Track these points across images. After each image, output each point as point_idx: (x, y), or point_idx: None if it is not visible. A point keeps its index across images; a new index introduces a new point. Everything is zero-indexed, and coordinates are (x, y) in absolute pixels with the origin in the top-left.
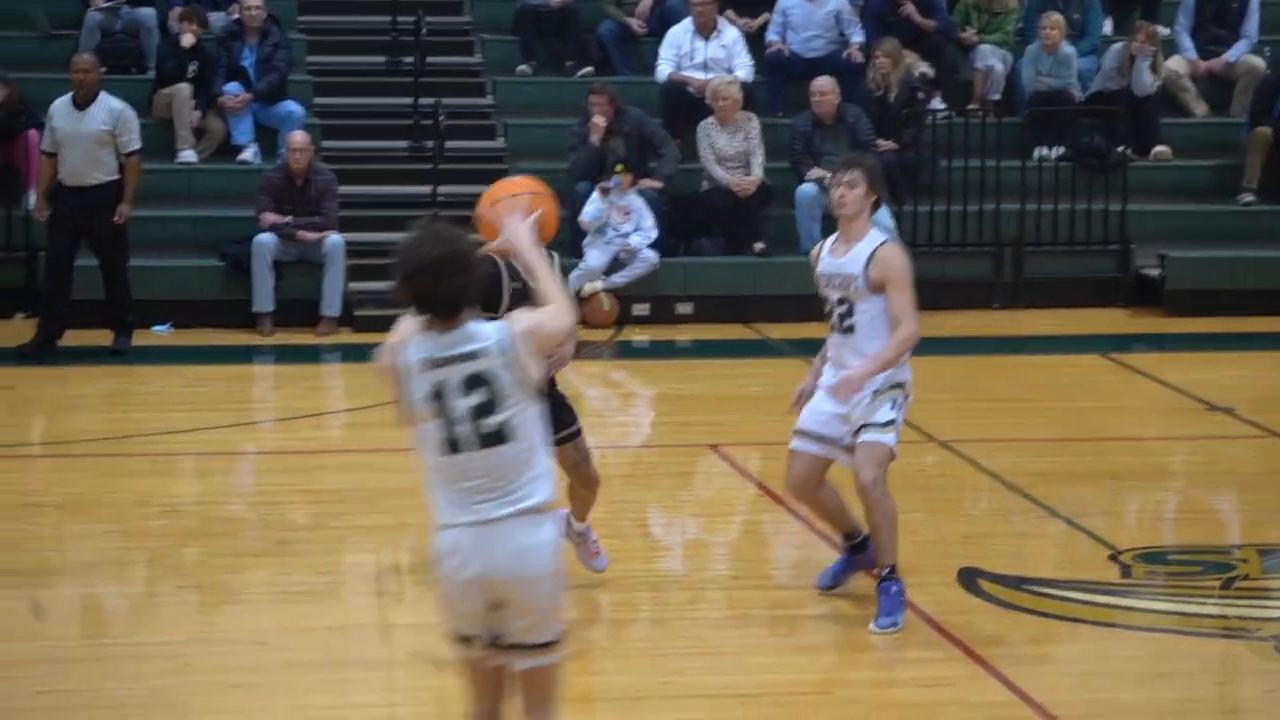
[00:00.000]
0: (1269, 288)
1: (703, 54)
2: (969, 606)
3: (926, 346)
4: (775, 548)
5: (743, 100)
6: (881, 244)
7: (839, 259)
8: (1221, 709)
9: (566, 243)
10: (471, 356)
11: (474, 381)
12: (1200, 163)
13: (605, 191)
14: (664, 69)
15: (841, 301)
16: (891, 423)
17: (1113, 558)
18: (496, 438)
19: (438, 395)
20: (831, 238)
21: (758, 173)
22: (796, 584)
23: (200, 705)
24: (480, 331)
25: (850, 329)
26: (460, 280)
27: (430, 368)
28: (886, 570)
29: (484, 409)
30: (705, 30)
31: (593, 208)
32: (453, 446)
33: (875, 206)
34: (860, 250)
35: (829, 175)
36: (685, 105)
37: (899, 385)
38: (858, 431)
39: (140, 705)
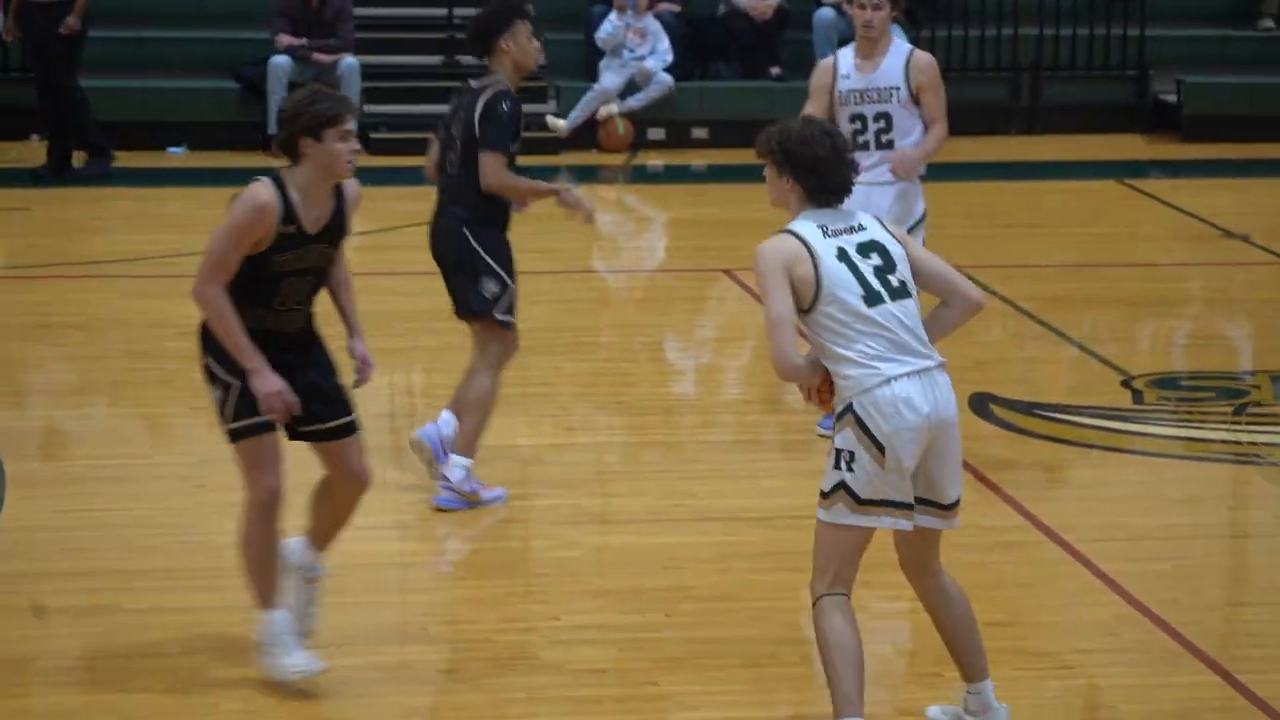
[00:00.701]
0: None
1: None
2: (981, 431)
3: (943, 171)
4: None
5: None
6: (912, 51)
7: (869, 74)
8: (1232, 533)
9: (582, 64)
10: (861, 228)
11: (869, 247)
12: None
13: (622, 9)
14: None
15: (879, 118)
16: None
17: (1125, 383)
18: (904, 291)
19: (843, 256)
20: (845, 54)
21: None
22: (809, 409)
23: (212, 526)
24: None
25: (890, 143)
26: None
27: (833, 235)
28: None
29: (884, 269)
30: None
31: (609, 25)
32: (874, 299)
33: (893, 19)
34: (893, 62)
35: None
36: None
37: None
38: None
39: (156, 525)
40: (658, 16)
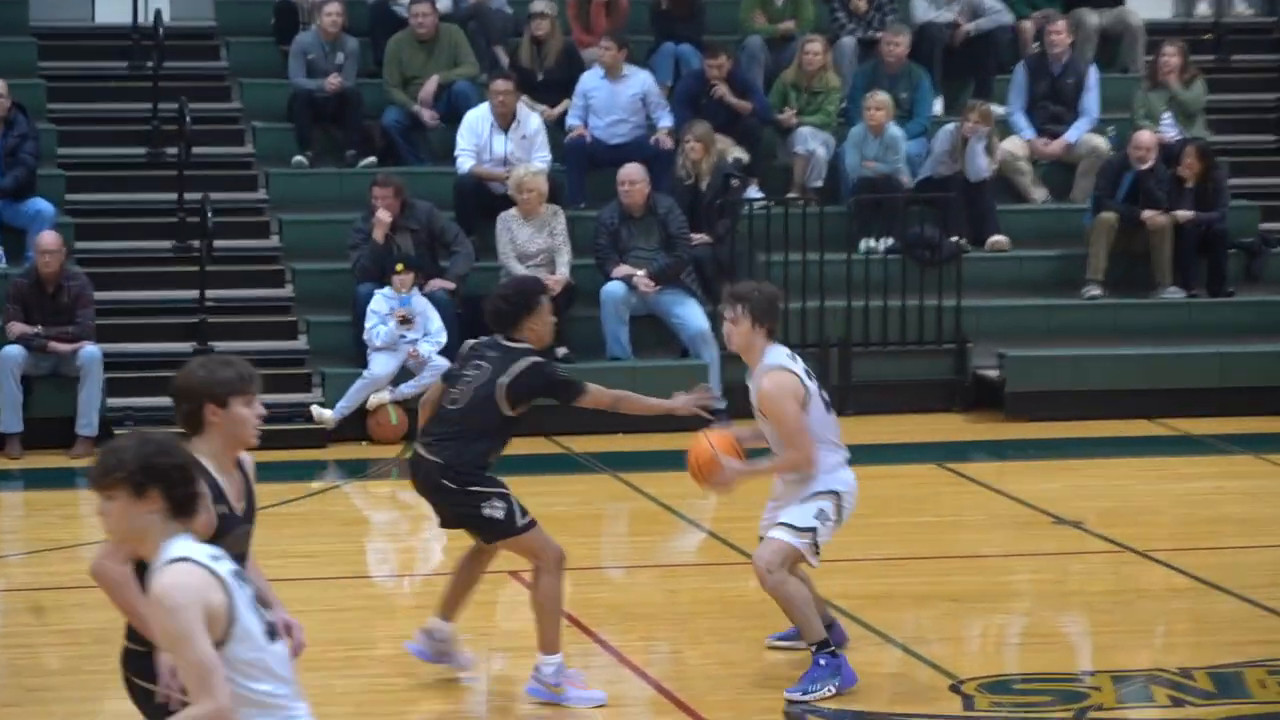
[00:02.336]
0: (1116, 388)
1: (503, 146)
2: None
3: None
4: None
5: (549, 193)
6: (765, 375)
7: (750, 382)
8: None
9: (349, 348)
10: None
11: None
12: (1041, 253)
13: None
14: (464, 162)
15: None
16: (811, 530)
17: (954, 688)
18: None
19: None
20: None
21: (564, 272)
22: None
23: None
24: None
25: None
26: None
27: None
28: (814, 647)
29: None
30: (505, 121)
31: (375, 318)
32: None
33: (770, 335)
34: (755, 378)
35: (638, 273)
36: (482, 200)
37: (833, 493)
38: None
39: None
40: (429, 295)
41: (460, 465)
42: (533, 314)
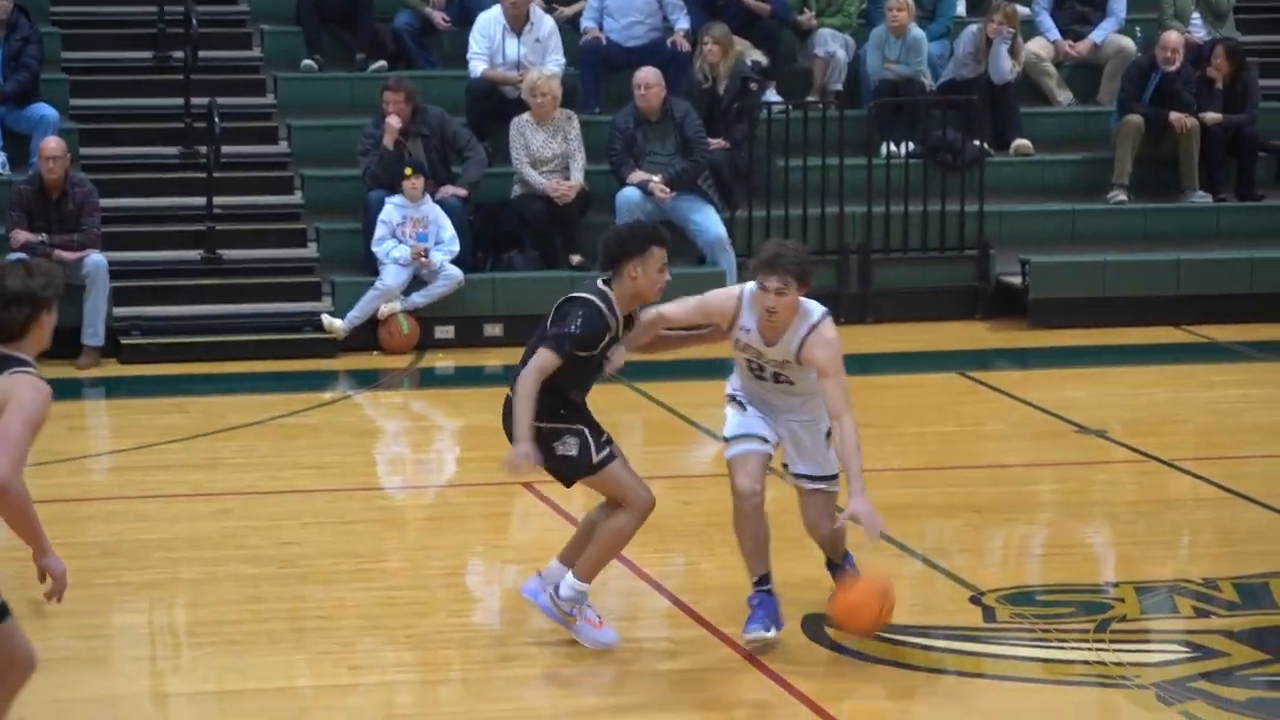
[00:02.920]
0: (1141, 295)
1: (515, 50)
2: (815, 658)
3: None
4: (599, 596)
5: (562, 97)
6: (823, 324)
7: (768, 346)
8: None
9: (360, 257)
10: None
11: None
12: (1065, 157)
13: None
14: (477, 65)
15: (779, 372)
16: (837, 475)
17: (975, 600)
18: None
19: None
20: (747, 297)
21: (578, 177)
22: (624, 636)
23: None
24: None
25: (788, 381)
26: None
27: None
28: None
29: None
30: (518, 24)
31: (385, 228)
32: None
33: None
34: (789, 340)
35: (654, 178)
36: (494, 104)
37: (827, 428)
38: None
39: None
40: (441, 202)
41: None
42: (638, 258)
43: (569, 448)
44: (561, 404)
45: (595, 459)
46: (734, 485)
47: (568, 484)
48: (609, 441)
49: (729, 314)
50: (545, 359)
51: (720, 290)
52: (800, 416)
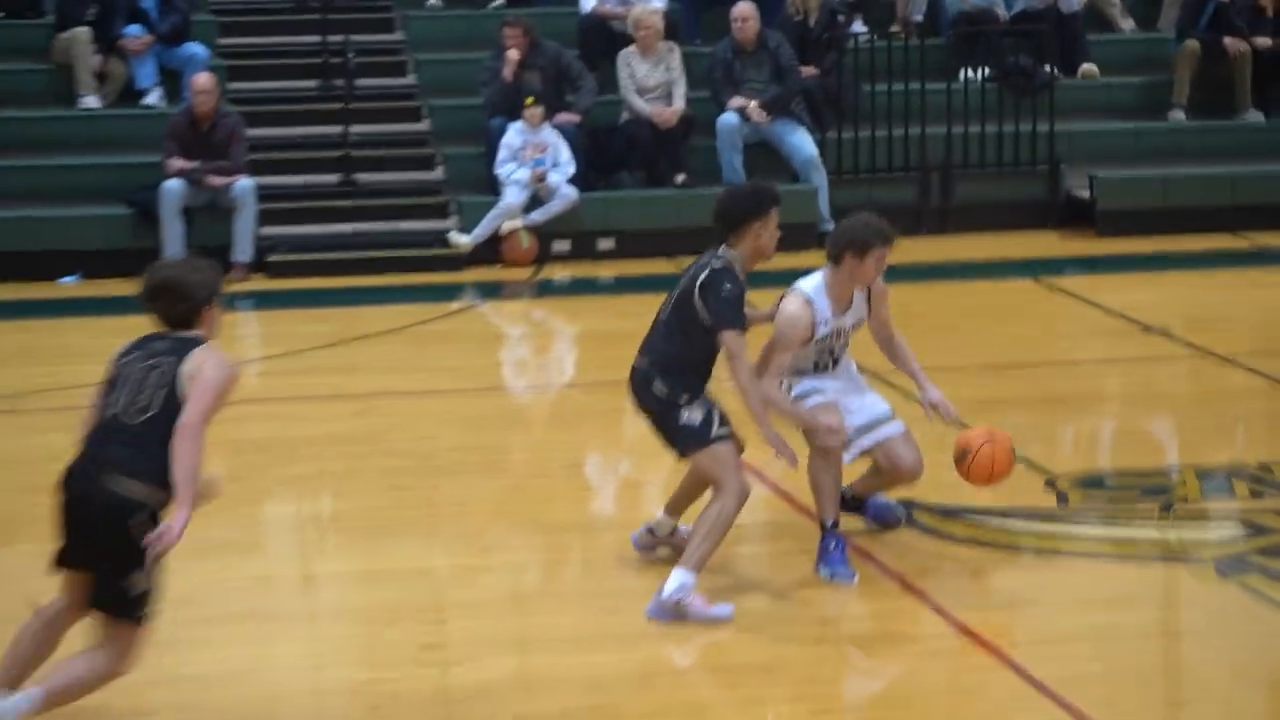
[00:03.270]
0: (1200, 206)
1: None
2: (905, 539)
3: None
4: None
5: (665, 30)
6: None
7: (843, 315)
8: (1164, 632)
9: (483, 178)
10: None
11: None
12: (1129, 80)
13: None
14: (587, 2)
15: (846, 341)
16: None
17: (1049, 484)
18: None
19: None
20: (815, 291)
21: (679, 104)
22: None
23: None
24: None
25: (845, 345)
26: None
27: None
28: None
29: None
30: None
31: (506, 151)
32: None
33: None
34: (858, 299)
35: (751, 103)
36: (604, 38)
37: None
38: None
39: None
40: (557, 128)
41: (663, 367)
42: (761, 219)
43: (694, 418)
44: (697, 378)
45: (713, 433)
46: (817, 429)
47: (683, 455)
48: (728, 423)
49: (810, 325)
50: (739, 343)
51: (788, 315)
52: (847, 382)
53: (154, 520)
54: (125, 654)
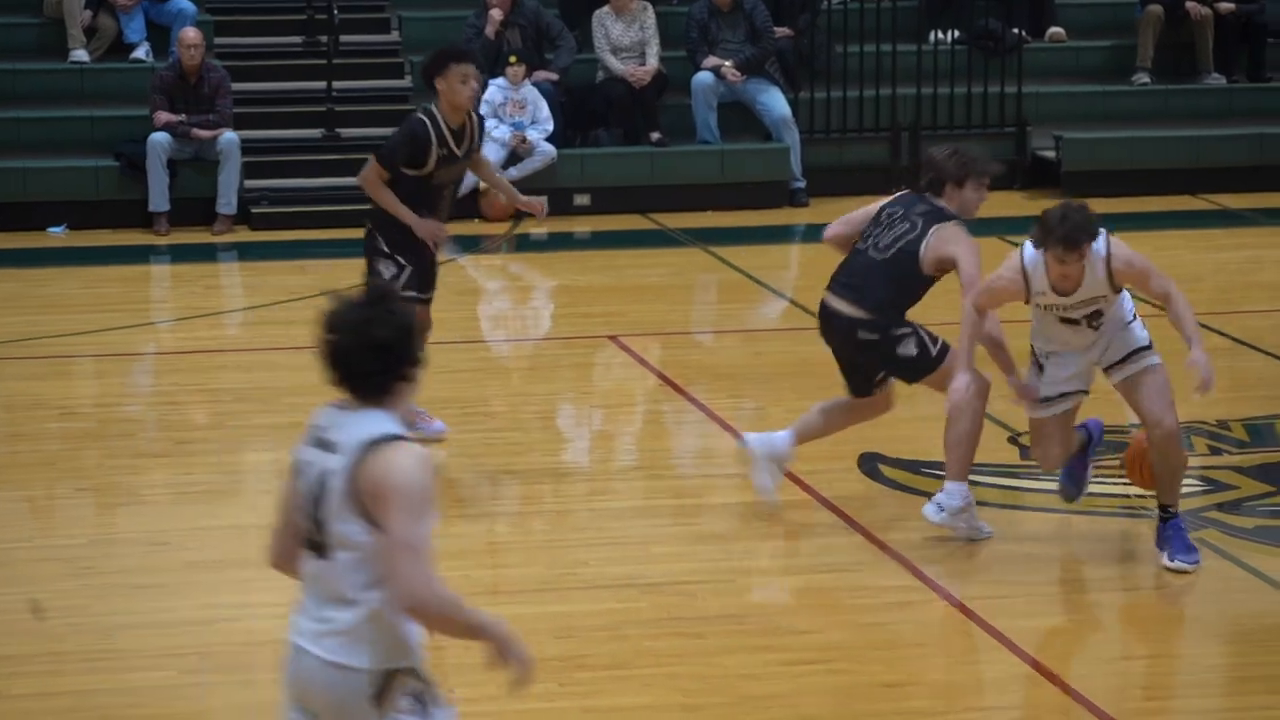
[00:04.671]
0: (1164, 166)
1: None
2: (870, 492)
3: (822, 234)
4: (676, 437)
5: None
6: (1107, 258)
7: (1067, 296)
8: (1124, 587)
9: None
10: None
11: None
12: (1095, 43)
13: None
14: None
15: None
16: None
17: (1012, 440)
18: None
19: None
20: (1029, 266)
21: (653, 62)
22: (698, 473)
23: (102, 608)
24: None
25: (1098, 325)
26: None
27: None
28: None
29: None
30: None
31: (488, 107)
32: None
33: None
34: (1092, 278)
35: (725, 63)
36: None
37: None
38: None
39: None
40: (536, 85)
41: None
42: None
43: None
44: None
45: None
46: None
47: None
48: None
49: (1021, 292)
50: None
51: (1001, 275)
52: (1104, 340)
53: None
54: None
